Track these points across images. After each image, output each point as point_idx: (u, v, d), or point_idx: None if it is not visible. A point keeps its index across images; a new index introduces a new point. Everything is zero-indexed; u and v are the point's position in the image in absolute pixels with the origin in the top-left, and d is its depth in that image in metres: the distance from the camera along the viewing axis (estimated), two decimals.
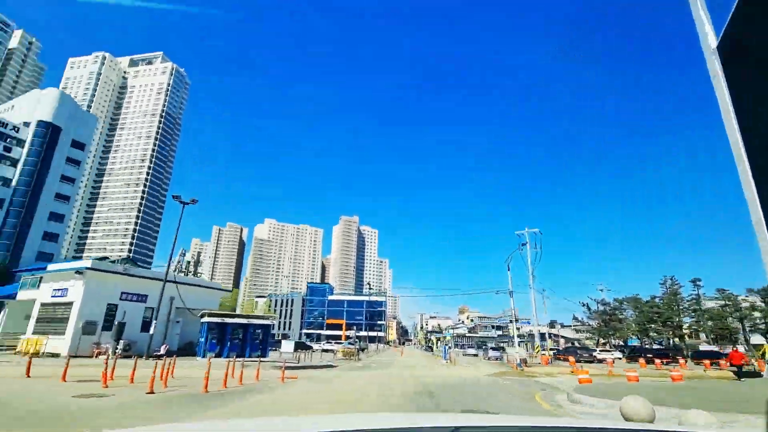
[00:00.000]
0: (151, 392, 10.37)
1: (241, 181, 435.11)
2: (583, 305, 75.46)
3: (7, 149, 58.51)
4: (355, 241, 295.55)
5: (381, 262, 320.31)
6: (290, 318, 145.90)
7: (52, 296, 22.79)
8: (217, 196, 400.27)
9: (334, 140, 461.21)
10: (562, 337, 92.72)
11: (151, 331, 21.48)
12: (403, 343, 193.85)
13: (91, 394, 10.04)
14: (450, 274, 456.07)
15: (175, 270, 29.19)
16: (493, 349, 48.08)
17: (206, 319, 23.29)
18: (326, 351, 47.10)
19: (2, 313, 25.48)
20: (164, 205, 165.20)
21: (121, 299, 23.40)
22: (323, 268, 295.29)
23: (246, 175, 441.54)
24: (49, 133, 61.20)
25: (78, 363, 17.86)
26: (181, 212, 23.52)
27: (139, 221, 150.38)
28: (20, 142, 59.90)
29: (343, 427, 1.44)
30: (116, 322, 21.66)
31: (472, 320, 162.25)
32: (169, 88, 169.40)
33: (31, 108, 63.34)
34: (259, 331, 25.23)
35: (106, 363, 11.74)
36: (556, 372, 27.25)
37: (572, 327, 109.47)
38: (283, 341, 33.68)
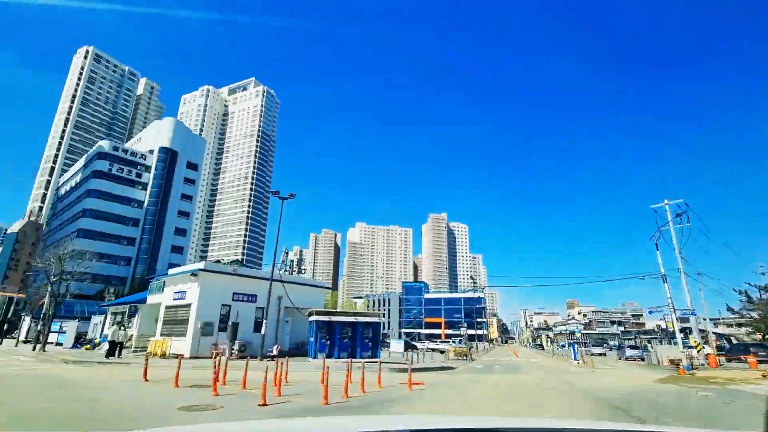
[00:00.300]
0: (264, 404, 8.45)
1: (331, 188, 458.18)
2: (741, 293, 61.28)
3: (138, 175, 67.01)
4: (445, 238, 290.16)
5: (474, 257, 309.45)
6: (389, 317, 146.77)
7: (174, 299, 23.62)
8: (311, 204, 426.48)
9: (416, 139, 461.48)
10: (712, 332, 77.10)
11: (263, 332, 20.81)
12: (506, 342, 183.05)
13: (199, 405, 8.43)
14: (549, 268, 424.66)
15: (280, 269, 28.89)
16: (631, 347, 40.62)
17: (314, 317, 22.04)
18: (435, 350, 44.28)
19: (137, 316, 27.54)
20: (267, 217, 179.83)
21: (233, 300, 23.41)
22: (415, 268, 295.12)
23: (335, 183, 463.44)
24: (168, 157, 68.80)
25: (196, 365, 17.53)
26: (281, 207, 22.81)
27: (247, 233, 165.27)
28: (147, 168, 68.25)
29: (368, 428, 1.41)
30: (230, 323, 21.48)
31: (585, 315, 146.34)
32: (262, 109, 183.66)
33: (154, 138, 71.99)
34: (368, 329, 23.36)
35: (216, 369, 10.28)
36: (748, 377, 20.62)
37: (720, 320, 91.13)
38: (392, 341, 31.88)
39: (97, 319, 34.24)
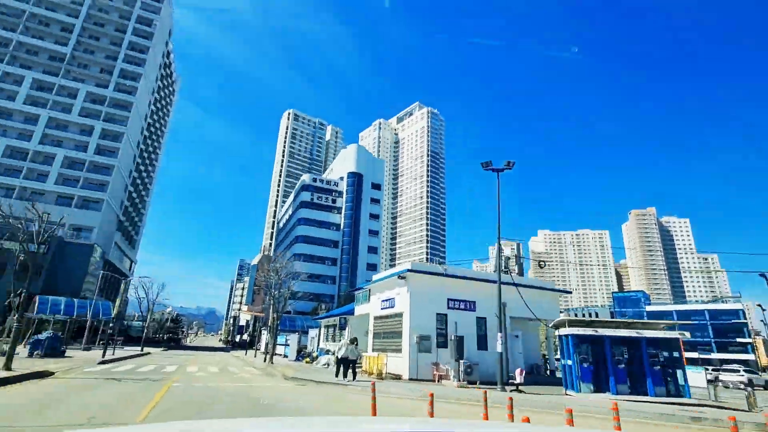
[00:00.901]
0: None
1: (506, 197, 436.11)
2: None
3: (333, 201, 73.23)
4: (656, 238, 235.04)
5: (705, 258, 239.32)
6: None
7: (382, 308, 20.49)
8: (487, 218, 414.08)
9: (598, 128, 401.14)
10: None
11: (499, 348, 15.11)
12: None
13: None
14: None
15: (495, 269, 23.05)
16: None
17: (567, 330, 15.14)
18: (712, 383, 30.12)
19: (347, 329, 26.00)
20: (445, 234, 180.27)
21: (448, 308, 18.72)
22: (618, 276, 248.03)
23: (511, 191, 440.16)
24: (356, 180, 73.39)
25: (431, 392, 12.98)
26: (497, 181, 17.23)
27: (428, 250, 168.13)
28: (340, 194, 74.11)
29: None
30: (453, 337, 16.65)
31: None
32: (428, 130, 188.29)
33: (341, 165, 78.44)
34: (659, 350, 14.96)
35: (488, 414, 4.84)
36: None
37: None
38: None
39: (313, 332, 35.27)
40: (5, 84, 56.97)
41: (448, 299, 18.81)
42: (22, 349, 21.14)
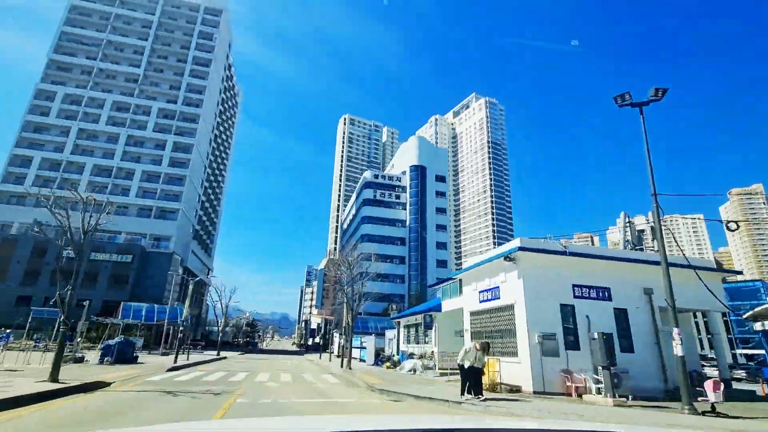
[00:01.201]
0: None
1: (577, 186, 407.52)
2: None
3: (397, 197, 70.00)
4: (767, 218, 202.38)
5: None
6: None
7: (481, 300, 16.41)
8: (563, 205, 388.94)
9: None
10: None
11: (679, 351, 10.45)
12: None
13: None
14: None
15: (625, 245, 18.03)
16: None
17: None
18: None
19: (435, 328, 22.23)
20: (512, 227, 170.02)
21: (575, 296, 14.19)
22: (718, 265, 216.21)
23: (586, 178, 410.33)
24: (419, 173, 69.56)
25: (586, 423, 8.74)
26: (642, 117, 12.45)
27: (496, 246, 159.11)
28: (403, 189, 70.71)
29: (352, 427, 1.54)
30: (595, 335, 12.14)
31: None
32: (488, 120, 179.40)
33: (401, 160, 75.06)
34: None
35: None
36: None
37: None
38: None
39: (390, 333, 32.01)
40: (90, 108, 61.54)
41: (573, 285, 14.26)
42: (93, 355, 20.25)
